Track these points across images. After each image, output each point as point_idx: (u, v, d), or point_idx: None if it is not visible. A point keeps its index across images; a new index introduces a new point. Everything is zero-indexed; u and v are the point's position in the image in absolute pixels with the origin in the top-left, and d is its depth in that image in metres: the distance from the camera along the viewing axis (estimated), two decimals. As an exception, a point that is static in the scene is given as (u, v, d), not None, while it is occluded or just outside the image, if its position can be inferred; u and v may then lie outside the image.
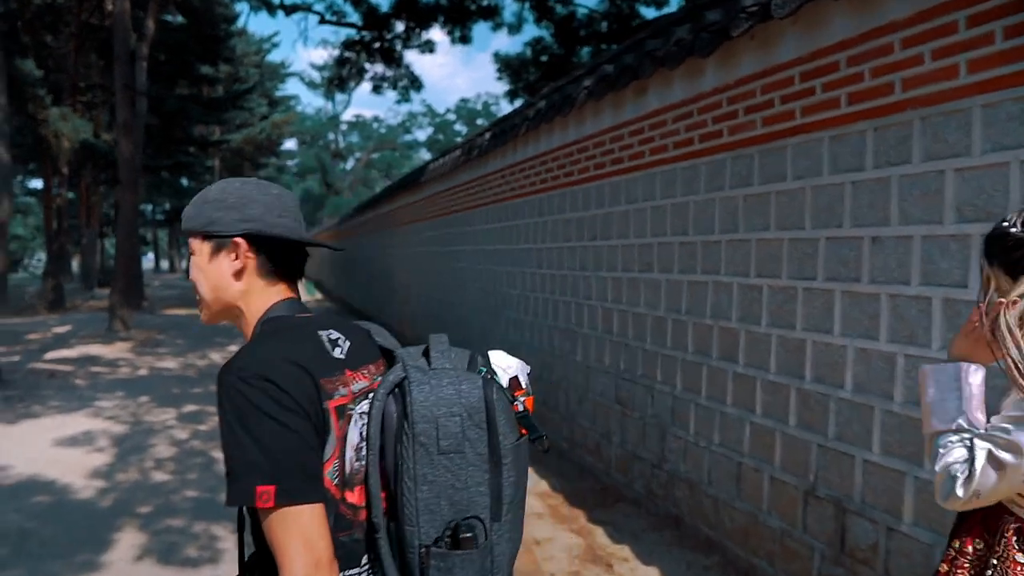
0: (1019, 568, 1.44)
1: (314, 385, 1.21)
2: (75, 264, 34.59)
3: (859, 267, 2.95)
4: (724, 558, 3.76)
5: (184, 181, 30.81)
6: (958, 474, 1.41)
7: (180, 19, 23.58)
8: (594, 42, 16.83)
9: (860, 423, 2.91)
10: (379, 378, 1.34)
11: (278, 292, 1.37)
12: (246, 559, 1.33)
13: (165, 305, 19.32)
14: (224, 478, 1.18)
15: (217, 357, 11.31)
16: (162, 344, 12.95)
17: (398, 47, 18.27)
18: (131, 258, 16.20)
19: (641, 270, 4.64)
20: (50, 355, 11.30)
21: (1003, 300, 1.44)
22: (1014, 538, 1.45)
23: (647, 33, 4.74)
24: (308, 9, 18.09)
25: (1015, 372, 1.39)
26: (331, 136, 63.49)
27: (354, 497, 1.27)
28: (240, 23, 28.95)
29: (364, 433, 1.29)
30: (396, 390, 1.27)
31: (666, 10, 15.56)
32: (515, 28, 18.01)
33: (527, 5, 17.02)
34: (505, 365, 1.41)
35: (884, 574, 2.79)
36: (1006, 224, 1.50)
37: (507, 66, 18.54)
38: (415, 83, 19.78)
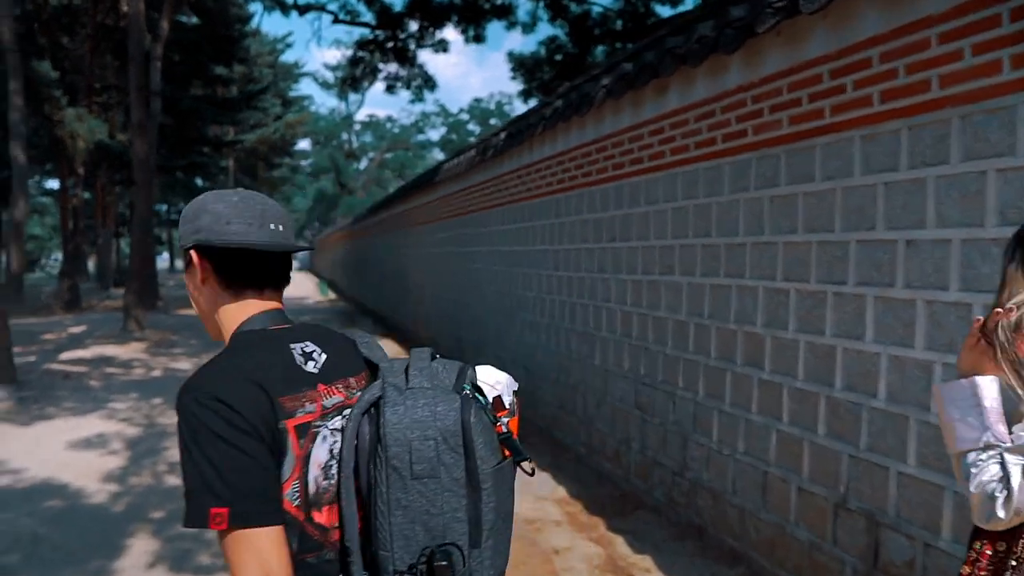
0: None
1: (270, 404, 1.18)
2: (91, 264, 34.80)
3: (893, 271, 2.84)
4: (749, 570, 3.65)
5: (199, 181, 30.92)
6: (996, 494, 1.38)
7: (194, 20, 23.65)
8: (609, 41, 16.70)
9: (894, 434, 2.80)
10: (357, 393, 1.31)
11: (252, 303, 1.33)
12: None
13: (179, 305, 19.35)
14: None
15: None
16: (176, 345, 12.95)
17: (412, 46, 18.21)
18: (146, 258, 16.24)
19: (662, 273, 4.54)
20: (65, 355, 11.31)
21: (999, 310, 1.42)
22: None
23: (668, 30, 4.63)
24: (322, 9, 18.06)
25: (1014, 382, 1.39)
26: (344, 136, 63.61)
27: (322, 517, 1.24)
28: (254, 23, 29.04)
29: (334, 451, 1.26)
30: (372, 410, 1.22)
31: (681, 8, 15.42)
32: (529, 27, 17.90)
33: (541, 4, 16.92)
34: (493, 381, 1.34)
35: (920, 591, 2.68)
36: None
37: (521, 65, 18.44)
38: (429, 83, 19.71)
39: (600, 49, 16.94)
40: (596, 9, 16.47)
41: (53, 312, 18.42)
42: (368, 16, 17.82)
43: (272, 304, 1.35)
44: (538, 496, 4.93)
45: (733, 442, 3.83)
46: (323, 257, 40.60)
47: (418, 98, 21.81)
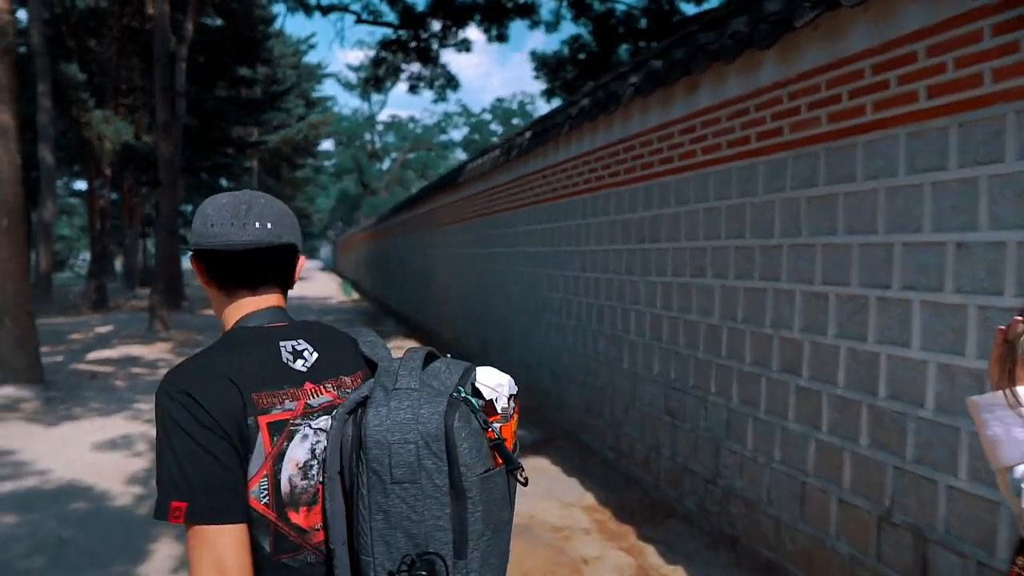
0: None
1: (240, 400, 1.18)
2: (118, 264, 35.19)
3: (941, 275, 2.71)
4: (785, 583, 3.53)
5: (223, 182, 31.11)
6: None
7: (219, 21, 23.80)
8: (632, 39, 16.55)
9: (944, 446, 2.67)
10: (348, 392, 1.29)
11: (246, 301, 1.33)
12: None
13: (204, 305, 19.46)
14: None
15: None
16: (201, 345, 12.99)
17: (434, 46, 18.17)
18: (171, 259, 16.34)
19: (693, 275, 4.43)
20: (92, 355, 11.40)
21: (1018, 317, 1.33)
22: None
23: (698, 26, 4.52)
24: (344, 9, 18.06)
25: None
26: (367, 136, 63.90)
27: (299, 518, 1.21)
28: (277, 24, 29.16)
29: (317, 451, 1.23)
30: (358, 410, 1.18)
31: (706, 6, 15.23)
32: (552, 26, 17.81)
33: (565, 2, 16.81)
34: (494, 383, 1.26)
35: (971, 611, 2.56)
36: None
37: (544, 64, 18.33)
38: (451, 82, 19.65)
39: (624, 48, 16.79)
40: (620, 7, 16.34)
41: (81, 312, 18.63)
42: (391, 16, 17.82)
43: (269, 302, 1.33)
44: (565, 502, 4.84)
45: (769, 450, 3.71)
46: (346, 257, 40.76)
47: (441, 98, 21.78)
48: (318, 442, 1.24)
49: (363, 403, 1.18)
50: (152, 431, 6.80)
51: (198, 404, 1.15)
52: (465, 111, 64.53)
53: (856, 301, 3.13)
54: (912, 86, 2.85)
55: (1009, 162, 2.47)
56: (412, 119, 67.16)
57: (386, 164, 65.79)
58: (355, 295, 28.07)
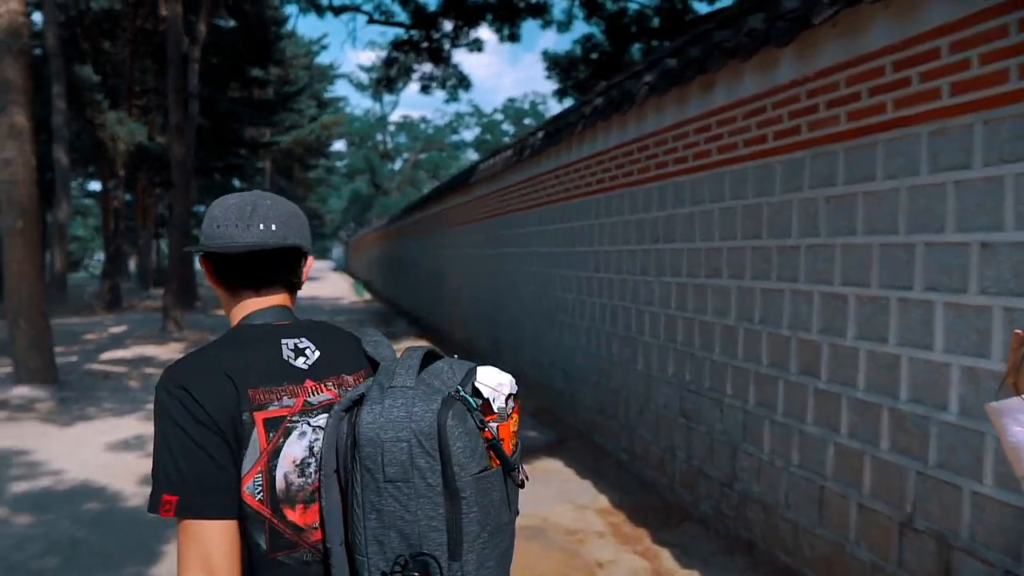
0: None
1: (235, 395, 1.18)
2: (132, 264, 35.40)
3: (965, 276, 2.65)
4: (804, 588, 3.48)
5: (236, 182, 31.23)
6: None
7: (231, 23, 23.87)
8: (645, 39, 16.47)
9: (968, 451, 2.61)
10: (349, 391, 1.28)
11: (251, 301, 1.33)
12: None
13: (216, 305, 19.52)
14: None
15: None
16: (214, 345, 13.02)
17: (446, 46, 18.15)
18: (184, 259, 16.39)
19: (708, 275, 4.38)
20: (106, 355, 11.45)
21: None
22: None
23: (713, 24, 4.47)
24: (356, 9, 18.06)
25: None
26: (379, 137, 64.02)
27: (295, 515, 1.21)
28: (289, 26, 29.19)
29: (315, 448, 1.23)
30: (354, 408, 1.17)
31: (720, 4, 15.13)
32: (564, 25, 17.75)
33: (577, 2, 16.75)
34: (495, 383, 1.23)
35: (997, 620, 2.50)
36: None
37: (556, 64, 18.28)
38: (463, 82, 19.63)
39: (636, 47, 16.71)
40: (632, 6, 16.27)
41: (95, 312, 18.74)
42: (403, 16, 17.81)
43: (273, 301, 1.34)
44: (579, 505, 4.80)
45: (786, 453, 3.66)
46: (358, 258, 40.85)
47: (453, 98, 21.77)
48: (316, 440, 1.23)
49: (360, 401, 1.17)
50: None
51: (193, 399, 1.16)
52: (477, 111, 64.57)
53: (876, 302, 3.08)
54: (935, 83, 2.79)
55: (1036, 160, 2.41)
56: (424, 120, 67.30)
57: (398, 164, 65.90)
58: (367, 295, 28.11)
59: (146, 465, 5.82)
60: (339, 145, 56.91)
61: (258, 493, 1.18)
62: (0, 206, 8.38)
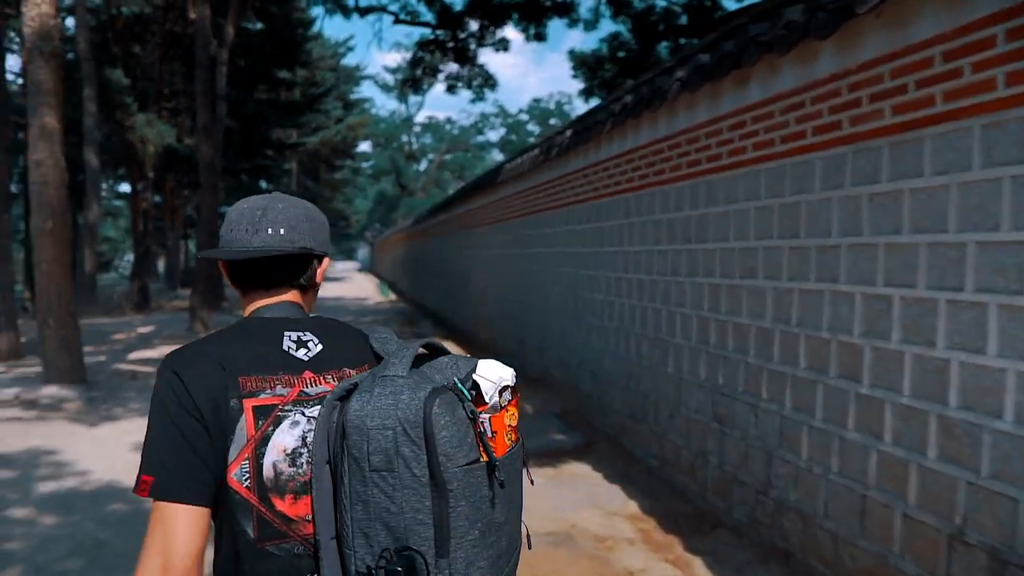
0: None
1: (223, 382, 1.19)
2: (161, 265, 35.81)
3: (1022, 277, 2.51)
4: (844, 601, 3.34)
5: (263, 184, 31.47)
6: None
7: (258, 25, 24.04)
8: (672, 36, 16.29)
9: (1025, 461, 2.47)
10: None
11: (261, 301, 1.35)
12: None
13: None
14: None
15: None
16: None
17: (472, 46, 18.08)
18: (210, 260, 16.48)
19: (743, 276, 4.25)
20: (133, 355, 11.52)
21: None
22: None
23: (747, 18, 4.34)
24: (383, 10, 18.07)
25: None
26: (404, 138, 64.24)
27: (284, 505, 1.20)
28: (316, 27, 29.33)
29: (308, 438, 1.22)
30: (348, 397, 1.15)
31: (748, 1, 14.91)
32: (591, 24, 17.60)
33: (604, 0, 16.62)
34: (496, 377, 1.19)
35: (1057, 641, 2.36)
36: None
37: (583, 63, 18.14)
38: (489, 81, 19.55)
39: (664, 45, 16.54)
40: (660, 3, 16.10)
41: (124, 312, 18.94)
42: (428, 16, 17.78)
43: (283, 298, 1.35)
44: (608, 511, 4.69)
45: (825, 461, 3.52)
46: (383, 258, 40.98)
47: (479, 97, 21.70)
48: (310, 430, 1.22)
49: (352, 390, 1.15)
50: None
51: (182, 384, 1.19)
52: (502, 112, 64.56)
53: (923, 304, 2.94)
54: (989, 73, 2.65)
55: (1101, 154, 2.27)
56: (449, 120, 67.42)
57: (423, 165, 66.09)
58: (392, 296, 28.16)
59: (172, 466, 5.81)
60: (365, 146, 57.21)
61: (246, 480, 1.18)
62: (31, 207, 8.44)
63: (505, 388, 1.19)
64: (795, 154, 3.78)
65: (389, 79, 60.18)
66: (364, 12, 18.02)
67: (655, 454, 5.45)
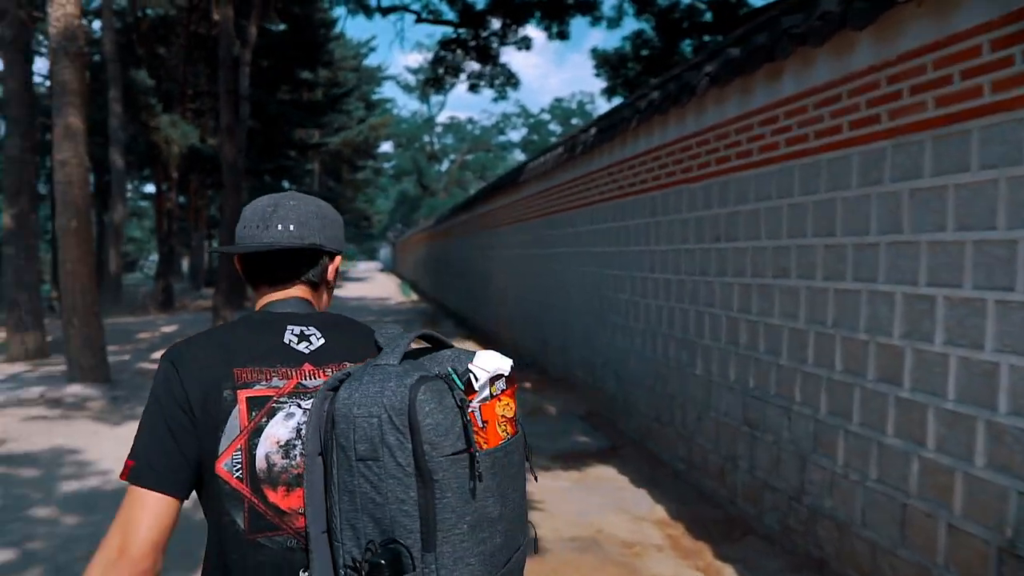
0: None
1: (217, 373, 1.20)
2: (185, 265, 36.10)
3: (1078, 276, 2.38)
4: (884, 613, 3.22)
5: (285, 184, 31.62)
6: None
7: (281, 26, 24.13)
8: (696, 34, 16.11)
9: (1083, 470, 2.34)
10: None
11: (272, 294, 1.36)
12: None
13: (267, 305, 19.73)
14: None
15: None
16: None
17: (494, 44, 18.00)
18: (231, 259, 16.55)
19: (775, 276, 4.12)
20: (156, 355, 11.55)
21: None
22: None
23: (779, 10, 4.22)
24: (404, 9, 18.02)
25: None
26: (426, 138, 64.35)
27: (277, 497, 1.19)
28: (338, 28, 29.37)
29: (302, 431, 1.20)
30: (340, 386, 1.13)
31: (775, -3, 14.70)
32: (614, 22, 17.43)
33: (627, -3, 16.47)
34: (492, 368, 1.15)
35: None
36: None
37: (605, 62, 17.99)
38: (512, 80, 19.46)
39: (687, 43, 16.36)
40: (684, 0, 15.91)
41: (148, 312, 19.08)
42: (451, 15, 17.72)
43: (291, 294, 1.36)
44: (635, 515, 4.58)
45: (863, 467, 3.40)
46: (405, 258, 41.04)
47: (501, 96, 21.64)
48: (305, 422, 1.20)
49: (345, 381, 1.13)
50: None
51: (177, 374, 1.21)
52: (524, 112, 64.44)
53: (969, 304, 2.81)
54: (1041, 62, 2.52)
55: None
56: (470, 120, 67.44)
57: (445, 165, 66.16)
58: (414, 296, 28.17)
59: (194, 466, 5.78)
60: (387, 146, 57.33)
61: (237, 471, 1.18)
62: (55, 206, 8.48)
63: (498, 377, 1.15)
64: (830, 149, 3.66)
65: (411, 79, 60.37)
66: (386, 12, 18.00)
67: (682, 457, 5.33)
